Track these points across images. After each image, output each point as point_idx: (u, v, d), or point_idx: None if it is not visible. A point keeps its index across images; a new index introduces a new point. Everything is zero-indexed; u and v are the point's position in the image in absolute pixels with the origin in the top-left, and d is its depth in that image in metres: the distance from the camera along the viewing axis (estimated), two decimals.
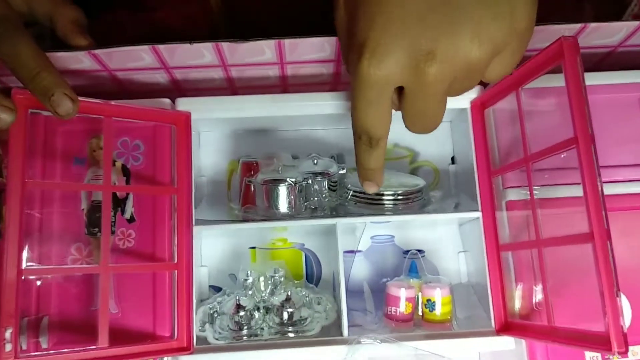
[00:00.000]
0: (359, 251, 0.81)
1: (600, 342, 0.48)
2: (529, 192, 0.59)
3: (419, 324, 0.69)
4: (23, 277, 0.56)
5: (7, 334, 0.54)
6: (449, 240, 0.81)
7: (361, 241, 0.80)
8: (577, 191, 0.51)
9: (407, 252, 0.81)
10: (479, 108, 0.69)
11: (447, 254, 0.81)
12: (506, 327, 0.64)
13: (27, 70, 0.54)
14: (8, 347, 0.54)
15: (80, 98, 0.58)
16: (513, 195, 0.65)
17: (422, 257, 0.78)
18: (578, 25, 0.63)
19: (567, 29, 0.63)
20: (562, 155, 0.54)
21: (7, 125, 0.55)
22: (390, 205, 0.71)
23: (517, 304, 0.64)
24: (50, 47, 0.62)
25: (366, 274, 0.81)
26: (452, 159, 0.83)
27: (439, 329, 0.68)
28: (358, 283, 0.80)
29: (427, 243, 0.81)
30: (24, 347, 0.61)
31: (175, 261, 0.64)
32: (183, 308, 0.63)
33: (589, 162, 0.49)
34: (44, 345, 0.61)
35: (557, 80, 0.55)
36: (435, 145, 0.84)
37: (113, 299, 0.63)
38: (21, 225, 0.56)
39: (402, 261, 0.81)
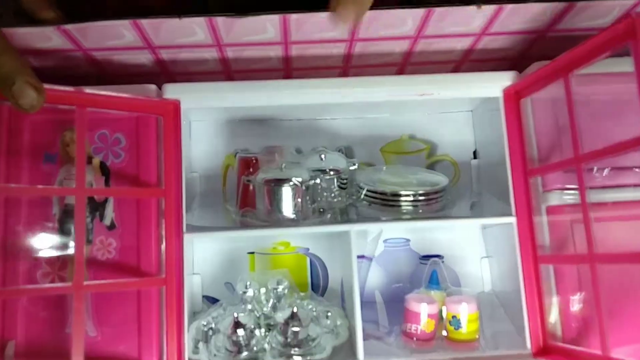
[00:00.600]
0: (370, 258, 0.72)
1: None
2: (578, 197, 0.51)
3: (442, 343, 0.61)
4: None
5: None
6: (471, 244, 0.73)
7: (368, 245, 0.71)
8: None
9: (424, 257, 0.72)
10: (514, 97, 0.60)
11: (468, 260, 0.72)
12: (545, 350, 0.56)
13: None
14: None
15: (47, 85, 0.48)
16: (555, 199, 0.56)
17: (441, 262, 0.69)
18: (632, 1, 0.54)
19: (619, 5, 0.54)
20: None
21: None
22: (409, 207, 0.62)
23: (557, 322, 0.56)
24: (12, 23, 0.52)
25: (378, 281, 0.72)
26: (474, 152, 0.74)
27: (465, 349, 0.60)
28: (368, 291, 0.72)
29: (446, 247, 0.73)
30: None
31: (164, 275, 0.55)
32: (173, 329, 0.54)
33: None
34: None
35: (615, 65, 0.46)
36: (455, 137, 0.75)
37: (90, 320, 0.54)
38: None
39: (418, 267, 0.72)
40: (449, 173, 0.72)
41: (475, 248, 0.73)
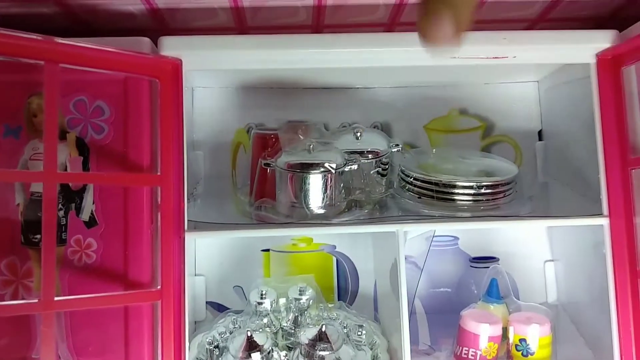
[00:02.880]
0: (410, 259, 0.59)
1: None
2: None
3: None
4: None
5: None
6: (533, 244, 0.61)
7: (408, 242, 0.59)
8: None
9: (475, 259, 0.60)
10: (612, 64, 0.47)
11: (529, 263, 0.61)
12: None
13: None
14: None
15: (10, 31, 0.35)
16: None
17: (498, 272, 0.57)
18: None
19: None
20: None
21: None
22: (469, 202, 0.49)
23: None
24: None
25: (419, 286, 0.60)
26: (539, 133, 0.61)
27: None
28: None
29: (502, 248, 0.61)
30: None
31: (159, 286, 0.42)
32: (170, 355, 0.42)
33: None
34: None
35: None
36: (517, 114, 0.62)
37: (64, 344, 0.42)
38: None
39: (468, 271, 0.61)
40: (509, 157, 0.59)
41: (538, 249, 0.61)
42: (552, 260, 0.60)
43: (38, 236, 0.43)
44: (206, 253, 0.59)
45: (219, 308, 0.58)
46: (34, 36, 0.40)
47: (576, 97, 0.52)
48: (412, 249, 0.58)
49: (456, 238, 0.61)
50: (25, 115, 0.44)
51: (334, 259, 0.60)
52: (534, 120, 0.62)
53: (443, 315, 0.56)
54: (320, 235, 0.60)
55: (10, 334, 0.43)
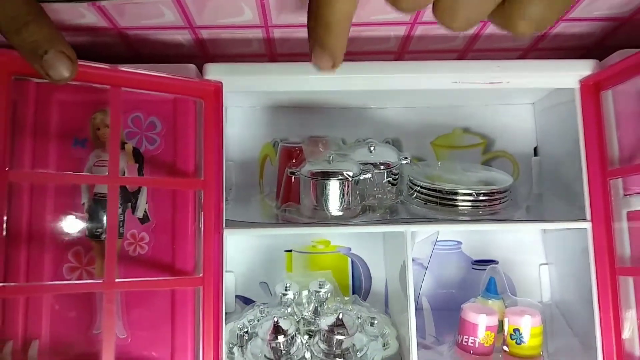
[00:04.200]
0: (417, 260, 0.66)
1: None
2: None
3: (501, 359, 0.56)
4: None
5: None
6: (529, 249, 0.67)
7: (415, 246, 0.66)
8: None
9: (476, 262, 0.67)
10: (593, 89, 0.54)
11: (525, 266, 0.67)
12: None
13: (12, 20, 0.39)
14: None
15: (82, 61, 0.43)
16: (639, 204, 0.50)
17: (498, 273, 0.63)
18: None
19: None
20: None
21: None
22: (469, 208, 0.56)
23: (635, 338, 0.50)
24: None
25: (425, 286, 0.67)
26: (535, 149, 0.68)
27: None
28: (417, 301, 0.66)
29: (501, 252, 0.67)
30: None
31: (201, 274, 0.50)
32: (210, 333, 0.49)
33: None
34: None
35: None
36: (514, 132, 0.69)
37: (120, 321, 0.50)
38: (0, 229, 0.42)
39: (470, 273, 0.67)
40: (507, 171, 0.66)
41: (534, 254, 0.67)
42: (547, 264, 0.66)
43: (100, 230, 0.51)
44: (236, 253, 0.66)
45: (247, 301, 0.65)
46: (102, 65, 0.48)
47: (565, 118, 0.58)
48: (419, 252, 0.65)
49: (459, 243, 0.68)
50: (90, 129, 0.53)
51: (349, 260, 0.67)
52: (529, 138, 0.68)
53: (448, 312, 0.63)
54: (337, 237, 0.67)
55: (76, 313, 0.50)
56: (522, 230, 0.66)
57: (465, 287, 0.66)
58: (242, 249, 0.66)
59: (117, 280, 0.46)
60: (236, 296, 0.65)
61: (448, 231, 0.67)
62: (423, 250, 0.61)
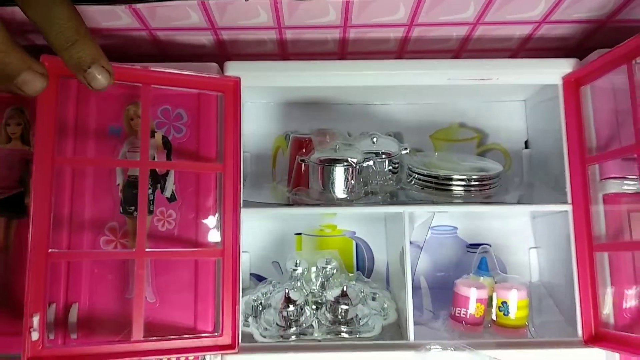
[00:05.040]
0: (415, 243, 0.72)
1: None
2: (637, 185, 0.50)
3: (490, 329, 0.61)
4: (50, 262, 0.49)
5: (34, 321, 0.48)
6: (519, 234, 0.72)
7: (414, 230, 0.72)
8: None
9: (471, 245, 0.73)
10: (574, 85, 0.60)
11: (516, 250, 0.72)
12: (596, 337, 0.56)
13: (62, 38, 0.45)
14: (35, 335, 0.47)
15: (116, 64, 0.50)
16: (615, 187, 0.56)
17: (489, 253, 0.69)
18: None
19: None
20: None
21: (37, 92, 0.47)
22: (462, 192, 0.62)
23: (610, 312, 0.56)
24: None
25: (423, 268, 0.73)
26: (526, 143, 0.74)
27: (514, 335, 0.60)
28: (414, 279, 0.72)
29: (493, 236, 0.73)
30: (52, 336, 0.54)
31: (221, 247, 0.56)
32: (229, 300, 0.56)
33: None
34: (73, 336, 0.55)
35: None
36: (507, 127, 0.75)
37: (150, 287, 0.56)
38: (49, 207, 0.50)
39: (465, 256, 0.73)
40: (500, 162, 0.72)
41: (524, 238, 0.72)
42: (536, 248, 0.71)
43: (132, 207, 0.58)
44: (251, 235, 0.72)
45: (260, 279, 0.71)
46: (135, 66, 0.55)
47: (551, 112, 0.64)
48: (417, 236, 0.71)
49: (455, 228, 0.73)
50: (124, 119, 0.60)
51: (354, 242, 0.73)
52: (521, 132, 0.74)
53: (444, 291, 0.68)
54: (343, 222, 0.73)
55: (111, 280, 0.57)
56: (514, 215, 0.72)
57: (461, 268, 0.71)
58: (256, 232, 0.72)
59: (147, 249, 0.53)
60: (250, 274, 0.71)
61: (445, 217, 0.73)
62: (420, 234, 0.67)
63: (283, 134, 0.74)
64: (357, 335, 0.59)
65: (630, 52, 0.51)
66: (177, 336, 0.54)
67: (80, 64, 0.46)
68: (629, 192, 0.55)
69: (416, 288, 0.70)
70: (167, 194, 0.58)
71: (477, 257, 0.66)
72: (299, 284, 0.64)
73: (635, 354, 0.53)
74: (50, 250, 0.49)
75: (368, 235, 0.73)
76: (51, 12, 0.45)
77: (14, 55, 0.45)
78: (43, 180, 0.49)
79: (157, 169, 0.58)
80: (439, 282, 0.73)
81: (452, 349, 0.54)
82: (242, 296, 0.64)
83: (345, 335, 0.59)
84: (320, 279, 0.65)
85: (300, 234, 0.73)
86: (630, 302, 0.54)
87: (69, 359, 0.50)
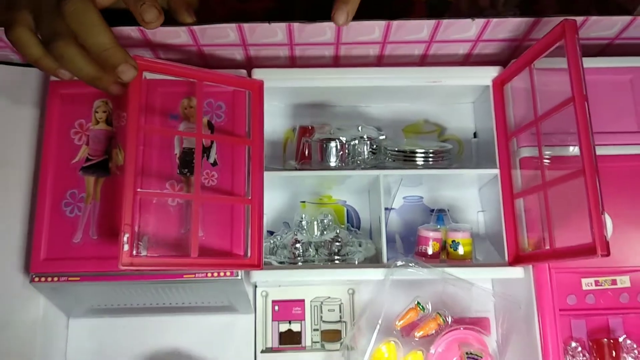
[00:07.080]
0: (393, 208, 0.95)
1: (589, 250, 0.61)
2: (538, 148, 0.74)
3: (445, 259, 0.84)
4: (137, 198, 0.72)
5: (125, 238, 0.70)
6: (470, 201, 0.95)
7: (394, 201, 0.95)
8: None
9: (433, 210, 0.95)
10: (499, 84, 0.84)
11: (468, 213, 0.95)
12: (517, 259, 0.78)
13: (99, 45, 0.61)
14: (126, 247, 0.69)
15: (178, 65, 0.74)
16: (526, 152, 0.80)
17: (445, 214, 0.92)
18: (581, 18, 0.77)
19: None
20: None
21: (130, 80, 0.69)
22: (422, 162, 0.86)
23: (527, 244, 0.78)
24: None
25: (398, 228, 0.95)
26: (474, 134, 0.98)
27: (462, 263, 0.82)
28: (390, 235, 0.94)
29: (451, 203, 0.96)
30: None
31: (250, 197, 0.79)
32: (255, 234, 0.78)
33: (582, 113, 0.64)
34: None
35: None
36: (460, 122, 0.99)
37: (199, 225, 0.79)
38: (137, 160, 0.72)
39: (429, 218, 0.95)
40: (455, 149, 0.96)
41: (473, 204, 0.95)
42: (482, 211, 0.94)
43: (186, 170, 0.81)
44: (267, 201, 0.93)
45: (273, 234, 0.94)
46: (193, 68, 0.79)
47: (489, 108, 0.88)
48: (389, 203, 0.94)
49: (421, 197, 0.96)
50: (180, 109, 0.83)
51: (345, 209, 0.96)
52: (471, 125, 0.97)
53: (412, 244, 0.91)
54: (337, 193, 0.96)
55: (171, 220, 0.79)
56: (466, 187, 0.95)
57: None
58: (271, 199, 0.94)
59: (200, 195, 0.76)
60: (267, 231, 0.94)
61: (415, 190, 0.96)
62: (392, 198, 0.90)
63: (291, 128, 0.98)
64: (346, 260, 0.81)
65: (529, 59, 0.76)
66: (220, 258, 0.77)
67: (114, 65, 0.61)
68: (536, 155, 0.78)
69: (393, 242, 0.93)
70: (211, 160, 0.81)
71: (435, 214, 0.89)
72: (304, 232, 0.87)
73: (541, 261, 0.75)
74: (138, 189, 0.72)
75: (356, 203, 0.96)
76: (89, 20, 0.60)
77: (118, 50, 0.61)
78: (133, 145, 0.71)
79: (204, 142, 0.82)
80: (411, 240, 0.95)
81: (413, 264, 0.76)
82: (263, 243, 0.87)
83: (337, 261, 0.82)
84: (319, 229, 0.87)
85: (304, 201, 0.96)
86: (539, 235, 0.77)
87: (150, 265, 0.72)
